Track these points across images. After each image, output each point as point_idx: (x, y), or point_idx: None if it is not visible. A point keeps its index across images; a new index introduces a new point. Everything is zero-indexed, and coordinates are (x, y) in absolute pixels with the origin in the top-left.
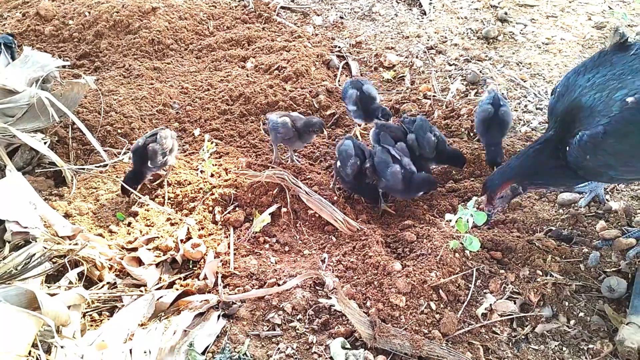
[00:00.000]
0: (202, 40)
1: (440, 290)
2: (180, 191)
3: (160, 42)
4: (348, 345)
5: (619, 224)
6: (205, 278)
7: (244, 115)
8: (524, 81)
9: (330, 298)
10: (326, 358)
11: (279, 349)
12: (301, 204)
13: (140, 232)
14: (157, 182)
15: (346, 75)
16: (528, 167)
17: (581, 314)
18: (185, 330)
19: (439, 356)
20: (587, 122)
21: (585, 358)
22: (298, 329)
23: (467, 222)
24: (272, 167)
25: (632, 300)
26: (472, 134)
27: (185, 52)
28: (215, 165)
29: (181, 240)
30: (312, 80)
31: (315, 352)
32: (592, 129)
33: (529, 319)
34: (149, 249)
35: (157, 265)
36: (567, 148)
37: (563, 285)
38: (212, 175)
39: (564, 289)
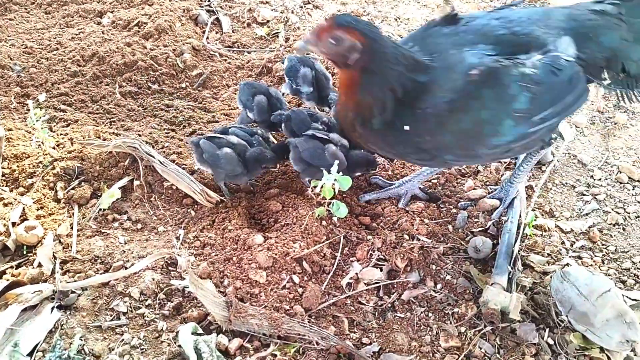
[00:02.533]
0: None
1: (304, 262)
2: (17, 166)
3: None
4: (200, 331)
5: (487, 183)
6: (40, 265)
7: (98, 77)
8: (401, 37)
9: (184, 279)
10: (175, 346)
11: (122, 340)
12: (156, 176)
13: None
14: None
15: (216, 32)
16: (392, 58)
17: (448, 277)
18: (11, 328)
19: (299, 334)
20: (429, 95)
21: (450, 322)
22: (146, 316)
23: (333, 187)
24: (124, 135)
25: (497, 260)
26: None
27: (31, 6)
28: (61, 134)
29: (13, 224)
30: (176, 37)
31: (164, 341)
32: (436, 104)
33: (395, 286)
34: None
35: None
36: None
37: (430, 248)
38: (54, 147)
39: (432, 252)
